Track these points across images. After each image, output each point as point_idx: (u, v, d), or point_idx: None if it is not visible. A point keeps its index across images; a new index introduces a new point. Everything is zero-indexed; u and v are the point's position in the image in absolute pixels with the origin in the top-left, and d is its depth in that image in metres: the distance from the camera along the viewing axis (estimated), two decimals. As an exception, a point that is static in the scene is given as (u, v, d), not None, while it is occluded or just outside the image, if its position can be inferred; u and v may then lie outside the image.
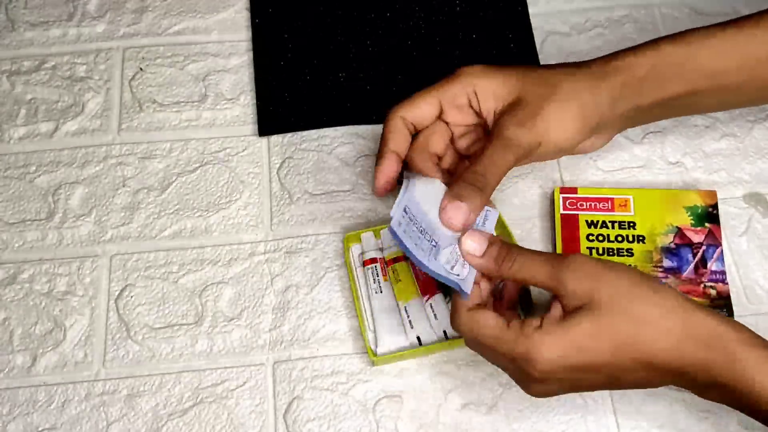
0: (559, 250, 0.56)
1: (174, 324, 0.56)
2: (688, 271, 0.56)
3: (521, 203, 0.60)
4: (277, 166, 0.62)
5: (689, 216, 0.57)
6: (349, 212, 0.60)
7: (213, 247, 0.59)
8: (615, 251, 0.56)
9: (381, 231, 0.57)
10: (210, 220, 0.60)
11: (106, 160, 0.62)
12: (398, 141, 0.48)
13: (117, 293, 0.57)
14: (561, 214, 0.57)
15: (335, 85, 0.64)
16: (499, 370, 0.47)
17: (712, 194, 0.58)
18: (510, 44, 0.66)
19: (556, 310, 0.43)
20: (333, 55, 0.65)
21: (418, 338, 0.54)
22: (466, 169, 0.47)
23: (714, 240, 0.57)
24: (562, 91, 0.47)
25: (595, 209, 0.57)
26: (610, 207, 0.57)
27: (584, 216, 0.57)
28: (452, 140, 0.50)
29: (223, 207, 0.60)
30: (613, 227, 0.57)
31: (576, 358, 0.42)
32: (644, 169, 0.62)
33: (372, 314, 0.54)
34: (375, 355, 0.53)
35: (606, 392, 0.54)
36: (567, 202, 0.58)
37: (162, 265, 0.58)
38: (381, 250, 0.57)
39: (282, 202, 0.60)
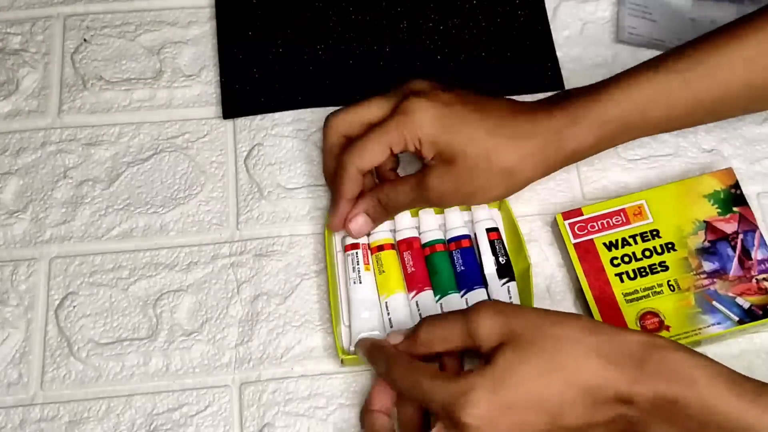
0: (584, 286, 0.54)
1: (124, 339, 0.54)
2: (734, 269, 0.54)
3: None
4: (245, 154, 0.60)
5: (713, 205, 0.55)
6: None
7: (169, 249, 0.58)
8: (648, 270, 0.54)
9: None
10: (166, 217, 0.59)
11: (45, 147, 0.61)
12: (354, 189, 0.54)
13: (57, 303, 0.56)
14: (573, 244, 0.55)
15: (312, 59, 0.63)
16: None
17: (729, 173, 0.56)
18: (518, 10, 0.64)
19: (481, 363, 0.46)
20: (310, 24, 0.64)
21: None
22: (378, 188, 0.55)
23: (749, 224, 0.54)
24: (498, 158, 0.52)
25: (610, 227, 0.55)
26: (624, 219, 0.55)
27: (600, 239, 0.55)
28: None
29: (182, 202, 0.59)
30: (635, 242, 0.54)
31: (507, 394, 0.43)
32: (675, 158, 0.60)
33: (348, 307, 0.54)
34: (345, 353, 0.52)
35: None
36: (575, 228, 0.55)
37: (110, 269, 0.57)
38: (366, 235, 0.56)
39: (250, 196, 0.59)
